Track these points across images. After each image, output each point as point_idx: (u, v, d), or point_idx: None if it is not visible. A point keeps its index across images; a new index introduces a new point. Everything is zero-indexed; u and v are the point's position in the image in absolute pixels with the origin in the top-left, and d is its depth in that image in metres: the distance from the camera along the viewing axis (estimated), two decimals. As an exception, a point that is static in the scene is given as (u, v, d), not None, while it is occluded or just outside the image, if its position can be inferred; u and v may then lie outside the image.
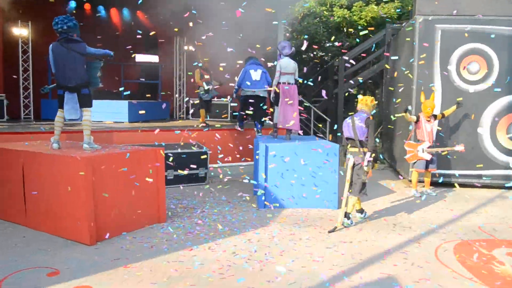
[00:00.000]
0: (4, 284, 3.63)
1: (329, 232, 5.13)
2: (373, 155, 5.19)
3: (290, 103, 6.73)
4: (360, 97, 5.57)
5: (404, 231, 5.19)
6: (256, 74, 8.66)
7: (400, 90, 8.51)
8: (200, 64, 9.95)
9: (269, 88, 7.97)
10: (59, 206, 4.80)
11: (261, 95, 8.64)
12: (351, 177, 5.36)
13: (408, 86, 8.08)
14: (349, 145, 5.42)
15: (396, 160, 9.14)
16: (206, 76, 9.94)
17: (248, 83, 8.59)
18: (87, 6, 12.23)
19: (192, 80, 10.21)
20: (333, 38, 14.39)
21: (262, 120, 8.81)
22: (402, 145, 7.68)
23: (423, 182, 7.36)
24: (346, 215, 5.38)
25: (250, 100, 8.46)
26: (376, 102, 5.65)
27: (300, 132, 7.29)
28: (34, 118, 10.92)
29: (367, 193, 5.50)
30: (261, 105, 8.57)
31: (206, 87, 9.69)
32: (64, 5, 11.46)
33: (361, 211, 5.71)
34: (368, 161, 5.15)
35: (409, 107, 7.76)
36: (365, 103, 5.38)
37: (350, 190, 5.36)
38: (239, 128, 9.28)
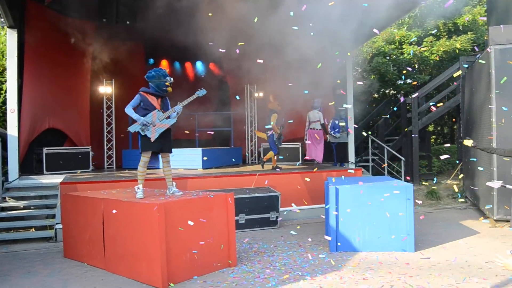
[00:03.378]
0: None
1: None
2: None
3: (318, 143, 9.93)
4: None
5: (489, 276, 4.74)
6: None
7: (478, 123, 8.04)
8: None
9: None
10: (134, 250, 5.01)
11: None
12: None
13: (486, 119, 7.62)
14: None
15: (479, 198, 8.49)
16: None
17: None
18: (164, 62, 13.20)
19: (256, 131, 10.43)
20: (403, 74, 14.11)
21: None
22: (485, 181, 7.14)
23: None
24: None
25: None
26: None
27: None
28: (116, 167, 11.64)
29: None
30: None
31: (279, 131, 9.70)
32: (143, 63, 12.43)
33: None
34: None
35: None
36: None
37: None
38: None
